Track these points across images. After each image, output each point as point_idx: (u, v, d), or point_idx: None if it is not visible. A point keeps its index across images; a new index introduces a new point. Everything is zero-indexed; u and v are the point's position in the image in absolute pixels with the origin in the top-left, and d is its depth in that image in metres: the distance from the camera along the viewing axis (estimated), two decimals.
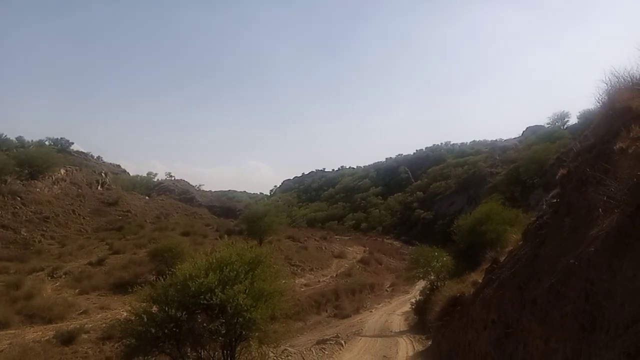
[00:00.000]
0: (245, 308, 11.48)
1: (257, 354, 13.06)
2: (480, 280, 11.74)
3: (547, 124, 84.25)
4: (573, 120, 77.33)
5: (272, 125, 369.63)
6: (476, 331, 9.49)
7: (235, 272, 12.04)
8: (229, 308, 11.40)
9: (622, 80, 7.32)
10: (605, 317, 3.93)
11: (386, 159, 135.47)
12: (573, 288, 4.77)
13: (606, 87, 7.50)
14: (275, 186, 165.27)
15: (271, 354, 15.53)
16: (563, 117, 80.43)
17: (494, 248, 18.47)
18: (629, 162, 4.85)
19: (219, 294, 11.29)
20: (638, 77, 7.21)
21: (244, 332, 12.22)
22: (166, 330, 11.04)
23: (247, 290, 11.96)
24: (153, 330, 11.02)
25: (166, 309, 11.34)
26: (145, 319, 11.30)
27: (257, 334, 12.48)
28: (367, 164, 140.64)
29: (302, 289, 33.65)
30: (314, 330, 27.22)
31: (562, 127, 77.00)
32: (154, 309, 11.78)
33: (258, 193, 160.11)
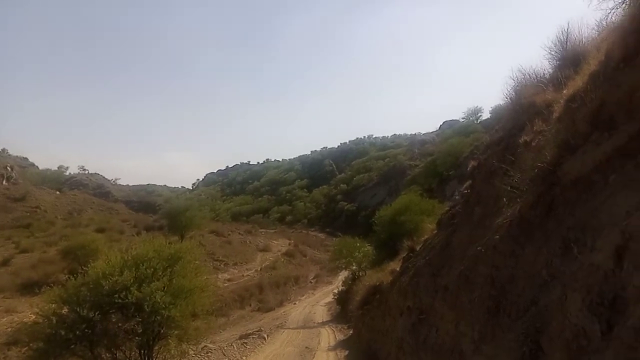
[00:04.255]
0: (163, 306, 11.17)
1: (176, 352, 12.68)
2: (398, 269, 12.13)
3: (462, 118, 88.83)
4: (486, 115, 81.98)
5: (196, 117, 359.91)
6: (393, 318, 9.79)
7: (152, 269, 11.69)
8: (145, 306, 11.01)
9: (528, 77, 7.80)
10: (508, 301, 4.15)
11: (311, 152, 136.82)
12: (480, 274, 5.02)
13: (514, 84, 7.98)
14: (198, 180, 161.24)
15: (191, 352, 15.19)
16: (477, 112, 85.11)
17: (411, 237, 19.12)
18: (532, 155, 5.15)
19: (135, 292, 10.88)
20: (542, 74, 7.73)
21: (162, 331, 11.85)
22: (78, 332, 10.44)
23: (165, 288, 11.66)
24: (63, 333, 10.39)
25: (77, 309, 10.73)
26: (55, 321, 10.64)
27: (176, 331, 12.14)
28: (292, 157, 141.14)
29: (226, 284, 33.19)
30: (237, 325, 26.91)
31: (475, 122, 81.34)
32: (65, 310, 11.13)
33: (180, 187, 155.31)
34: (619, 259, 2.81)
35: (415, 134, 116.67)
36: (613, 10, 5.35)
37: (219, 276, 33.80)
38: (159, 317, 11.24)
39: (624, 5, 5.23)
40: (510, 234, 4.60)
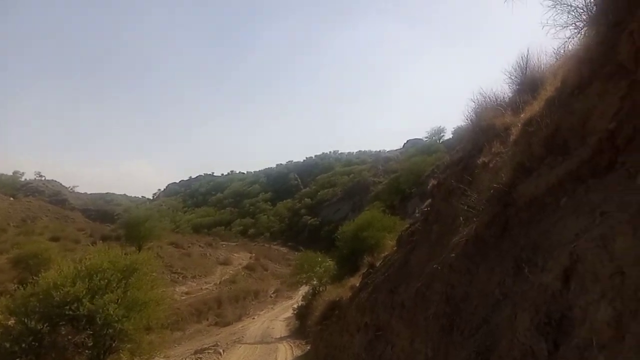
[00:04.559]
0: (116, 319, 10.89)
1: None
2: (357, 285, 12.14)
3: (426, 137, 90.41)
4: (449, 135, 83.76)
5: (159, 125, 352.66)
6: (351, 334, 9.76)
7: (106, 281, 11.40)
8: (98, 319, 10.71)
9: (489, 100, 8.05)
10: (462, 319, 4.19)
11: (277, 165, 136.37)
12: (436, 291, 5.07)
13: (475, 106, 8.22)
14: (160, 190, 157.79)
15: None
16: (439, 132, 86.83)
17: (372, 253, 19.24)
18: (489, 176, 5.28)
19: (87, 304, 10.58)
20: (502, 98, 7.98)
21: (114, 344, 11.52)
22: (24, 345, 10.04)
23: (119, 300, 11.39)
24: (8, 345, 9.98)
25: (25, 321, 10.32)
26: None
27: (128, 345, 11.82)
28: (257, 170, 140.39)
29: (183, 297, 32.46)
30: (193, 339, 26.30)
31: (438, 142, 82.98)
32: (11, 321, 10.68)
33: (140, 197, 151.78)
34: (567, 280, 2.89)
35: (380, 151, 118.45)
36: (569, 40, 5.60)
37: (177, 289, 33.04)
38: (111, 330, 10.95)
39: (579, 35, 5.48)
40: (466, 252, 4.68)
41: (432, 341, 4.72)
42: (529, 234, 3.97)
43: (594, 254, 2.70)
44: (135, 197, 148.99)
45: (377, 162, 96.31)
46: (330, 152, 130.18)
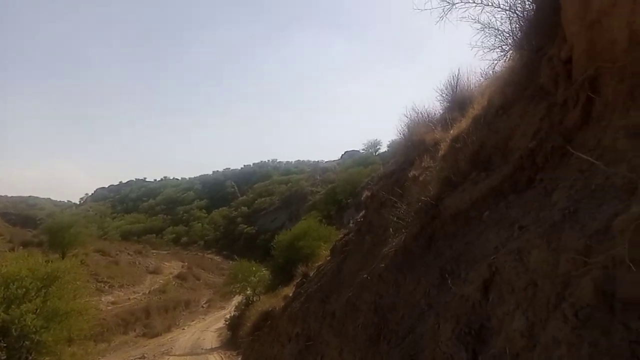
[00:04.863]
0: (33, 330, 10.26)
1: None
2: (291, 294, 12.10)
3: (363, 149, 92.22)
4: (384, 148, 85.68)
5: (88, 127, 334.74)
6: (282, 344, 9.69)
7: (24, 289, 10.68)
8: (13, 330, 10.00)
9: (420, 115, 8.35)
10: (389, 328, 4.27)
11: (213, 172, 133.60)
12: (365, 301, 5.13)
13: (408, 121, 8.49)
14: (87, 194, 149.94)
15: None
16: (376, 144, 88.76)
17: (307, 263, 19.27)
18: (418, 189, 5.45)
19: (1, 314, 9.85)
20: (433, 114, 8.30)
21: (30, 357, 10.78)
22: None
23: (38, 310, 10.70)
24: None
25: None
26: None
27: (47, 358, 11.12)
28: (193, 176, 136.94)
29: (109, 307, 30.84)
30: (118, 351, 25.06)
31: (374, 154, 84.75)
32: None
33: (66, 201, 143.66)
34: (486, 291, 3.02)
35: (318, 161, 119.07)
36: (496, 62, 5.92)
37: (102, 299, 31.42)
38: (27, 342, 10.28)
39: (505, 58, 5.81)
40: (395, 263, 4.78)
41: (360, 351, 4.76)
42: (453, 245, 4.11)
43: (511, 266, 2.84)
44: (60, 201, 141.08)
45: (315, 172, 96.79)
46: (268, 160, 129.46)
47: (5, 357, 10.15)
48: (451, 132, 5.82)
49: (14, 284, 10.61)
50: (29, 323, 10.18)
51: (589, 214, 2.46)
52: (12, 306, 10.31)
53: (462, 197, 4.45)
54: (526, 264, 2.72)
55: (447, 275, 3.76)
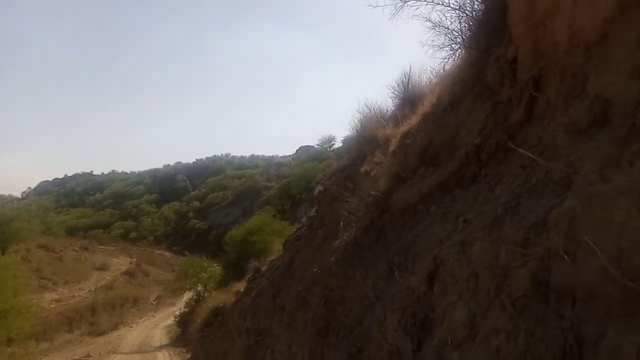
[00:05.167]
0: None
1: None
2: (242, 289, 11.99)
3: (317, 145, 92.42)
4: (339, 143, 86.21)
5: (29, 115, 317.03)
6: (232, 340, 9.59)
7: None
8: None
9: (373, 111, 8.44)
10: (338, 321, 4.29)
11: (164, 165, 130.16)
12: (315, 295, 5.15)
13: (360, 117, 8.56)
14: (30, 188, 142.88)
15: None
16: (330, 140, 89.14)
17: (260, 258, 19.12)
18: (369, 183, 5.50)
19: None
20: (385, 111, 8.40)
21: None
22: None
23: None
24: None
25: None
26: None
27: None
28: (142, 170, 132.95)
29: (53, 305, 29.60)
30: (62, 350, 24.10)
31: (328, 149, 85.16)
32: None
33: (6, 195, 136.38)
34: (431, 282, 3.08)
35: (272, 156, 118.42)
36: (446, 60, 6.04)
37: (45, 296, 30.08)
38: None
39: (454, 56, 5.94)
40: (345, 256, 4.81)
41: (309, 344, 4.77)
42: (401, 238, 4.18)
43: (455, 258, 2.91)
44: (0, 195, 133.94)
45: (270, 167, 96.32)
46: (222, 154, 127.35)
47: None
48: (402, 128, 5.90)
49: None
50: None
51: (528, 208, 2.55)
52: None
53: (410, 191, 4.52)
54: (469, 256, 2.79)
55: (394, 268, 3.81)
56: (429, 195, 4.34)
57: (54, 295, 32.28)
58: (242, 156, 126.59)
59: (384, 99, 8.61)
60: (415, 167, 4.76)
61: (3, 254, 27.95)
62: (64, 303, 31.32)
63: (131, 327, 30.63)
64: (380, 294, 3.85)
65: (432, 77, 7.52)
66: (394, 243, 4.27)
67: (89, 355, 18.99)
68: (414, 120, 5.72)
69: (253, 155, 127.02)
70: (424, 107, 5.76)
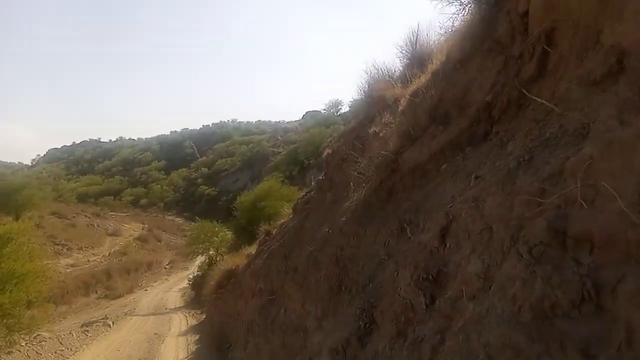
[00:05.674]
0: None
1: (4, 343, 11.37)
2: (253, 253, 12.16)
3: (324, 110, 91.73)
4: (346, 108, 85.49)
5: (36, 84, 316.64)
6: (245, 300, 9.81)
7: None
8: None
9: (381, 72, 8.30)
10: (350, 279, 4.36)
11: (171, 132, 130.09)
12: (327, 254, 5.21)
13: (368, 78, 8.43)
14: (39, 155, 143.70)
15: (22, 342, 13.68)
16: (337, 104, 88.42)
17: (270, 222, 19.27)
18: (378, 143, 5.46)
19: None
20: (393, 71, 8.26)
21: None
22: None
23: None
24: None
25: None
26: None
27: (5, 320, 10.88)
28: (150, 137, 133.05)
29: (68, 270, 30.29)
30: (80, 312, 24.82)
31: (335, 114, 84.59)
32: None
33: (16, 162, 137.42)
34: (443, 238, 3.09)
35: (279, 121, 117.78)
36: (455, 15, 5.88)
37: (61, 261, 30.75)
38: None
39: (464, 11, 5.77)
40: (355, 216, 4.84)
41: (321, 301, 4.86)
42: (412, 197, 4.18)
43: (467, 213, 2.91)
44: (10, 162, 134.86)
45: (277, 132, 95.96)
46: (228, 120, 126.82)
47: None
48: (411, 87, 5.82)
49: None
50: None
51: (543, 160, 2.52)
52: None
53: (420, 150, 4.50)
54: (482, 210, 2.78)
55: (405, 226, 3.83)
56: (439, 154, 4.31)
57: (69, 261, 32.99)
58: (248, 122, 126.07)
59: (392, 59, 8.47)
60: (425, 125, 4.71)
61: (17, 221, 28.46)
62: (80, 268, 32.06)
63: (146, 290, 31.35)
64: (391, 252, 3.88)
65: (440, 34, 7.37)
66: (404, 202, 4.28)
67: (106, 317, 19.45)
68: (423, 78, 5.63)
69: (259, 120, 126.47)
70: (433, 64, 5.66)
